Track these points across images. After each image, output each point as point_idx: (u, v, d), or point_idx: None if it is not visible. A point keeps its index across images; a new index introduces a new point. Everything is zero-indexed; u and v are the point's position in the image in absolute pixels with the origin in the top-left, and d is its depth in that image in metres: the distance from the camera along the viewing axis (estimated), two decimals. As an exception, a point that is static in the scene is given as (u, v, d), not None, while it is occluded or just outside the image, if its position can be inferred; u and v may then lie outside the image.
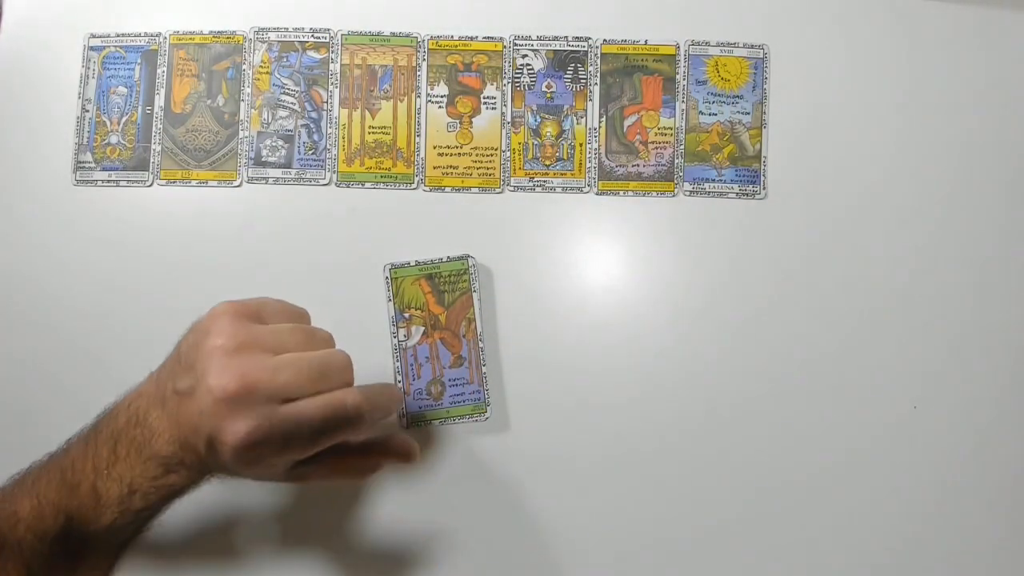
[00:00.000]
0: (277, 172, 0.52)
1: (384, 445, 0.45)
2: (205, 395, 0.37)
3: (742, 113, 0.53)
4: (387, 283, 0.50)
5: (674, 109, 0.53)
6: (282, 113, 0.52)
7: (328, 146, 0.52)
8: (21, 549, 0.39)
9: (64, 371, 0.51)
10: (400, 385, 0.49)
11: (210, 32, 0.53)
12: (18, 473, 0.43)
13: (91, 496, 0.39)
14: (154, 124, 0.52)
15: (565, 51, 0.53)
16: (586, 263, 0.52)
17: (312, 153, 0.52)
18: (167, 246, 0.52)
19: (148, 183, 0.52)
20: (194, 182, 0.52)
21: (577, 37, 0.53)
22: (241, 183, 0.52)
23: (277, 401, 0.37)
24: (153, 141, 0.52)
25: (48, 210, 0.52)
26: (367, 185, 0.52)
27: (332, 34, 0.53)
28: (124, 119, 0.52)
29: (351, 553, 0.49)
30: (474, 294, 0.50)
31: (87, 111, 0.53)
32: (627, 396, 0.50)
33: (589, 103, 0.53)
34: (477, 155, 0.52)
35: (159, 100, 0.53)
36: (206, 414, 0.37)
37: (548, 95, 0.53)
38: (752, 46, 0.53)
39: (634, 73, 0.53)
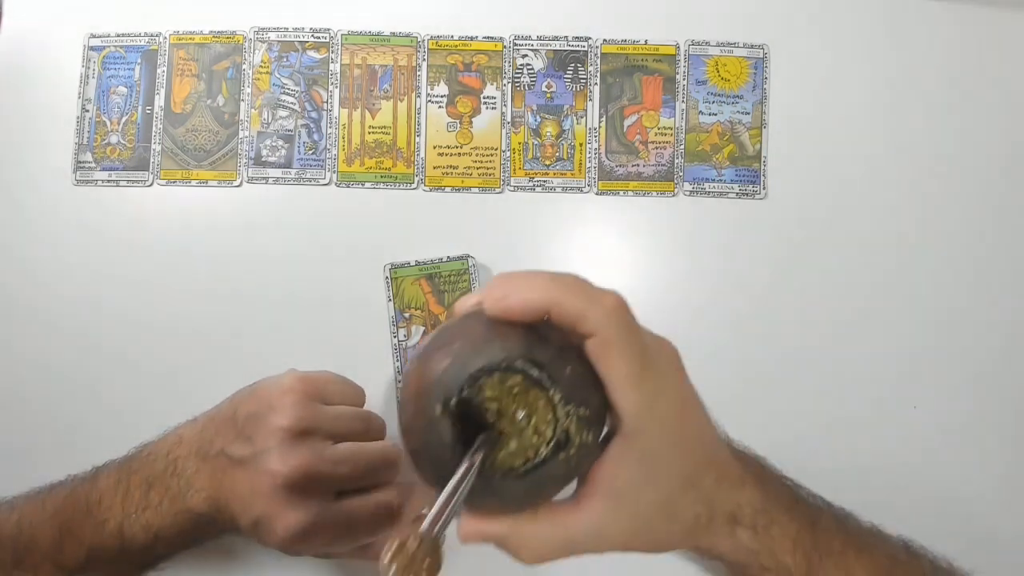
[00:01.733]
0: (277, 172, 0.52)
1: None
2: (264, 476, 0.37)
3: (742, 113, 0.53)
4: (387, 283, 0.50)
5: (674, 109, 0.53)
6: (282, 113, 0.52)
7: (328, 146, 0.52)
8: (36, 574, 0.39)
9: (65, 369, 0.51)
10: (400, 385, 0.50)
11: (210, 32, 0.53)
12: (34, 492, 0.42)
13: (116, 537, 0.39)
14: (154, 124, 0.52)
15: (565, 51, 0.53)
16: (586, 263, 0.51)
17: (312, 153, 0.52)
18: (167, 246, 0.52)
19: (148, 183, 0.52)
20: (194, 182, 0.52)
21: (577, 37, 0.53)
22: (241, 183, 0.52)
23: (331, 494, 0.39)
24: (153, 141, 0.52)
25: (48, 210, 0.52)
26: (367, 185, 0.52)
27: (332, 34, 0.53)
28: (124, 119, 0.52)
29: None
30: (474, 294, 0.50)
31: (87, 111, 0.53)
32: (627, 396, 0.50)
33: (589, 103, 0.53)
34: (477, 155, 0.52)
35: (159, 100, 0.53)
36: (261, 495, 0.37)
37: (548, 95, 0.53)
38: (752, 46, 0.53)
39: (634, 73, 0.53)
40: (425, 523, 0.27)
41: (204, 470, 0.39)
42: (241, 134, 0.52)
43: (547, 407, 0.31)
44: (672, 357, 0.35)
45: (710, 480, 0.35)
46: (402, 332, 0.50)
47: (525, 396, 0.32)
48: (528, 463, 0.31)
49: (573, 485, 0.34)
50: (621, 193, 0.52)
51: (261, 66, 0.53)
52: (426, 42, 0.53)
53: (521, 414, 0.32)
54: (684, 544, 0.36)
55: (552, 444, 0.31)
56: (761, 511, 0.36)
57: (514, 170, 0.52)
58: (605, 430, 0.33)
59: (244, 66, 0.53)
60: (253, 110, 0.52)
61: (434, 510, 0.28)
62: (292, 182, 0.52)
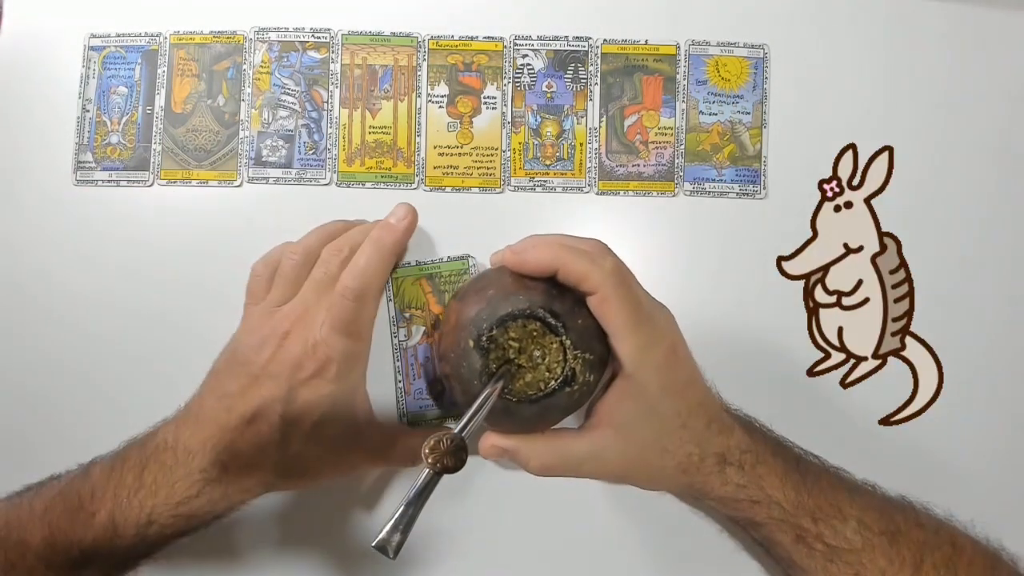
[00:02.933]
0: (277, 172, 0.52)
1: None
2: (272, 364, 0.41)
3: (742, 113, 0.53)
4: (387, 283, 0.50)
5: (674, 109, 0.53)
6: (282, 113, 0.52)
7: (328, 146, 0.52)
8: None
9: (66, 369, 0.51)
10: (400, 385, 0.50)
11: (210, 32, 0.53)
12: (16, 495, 0.41)
13: (107, 528, 0.39)
14: (154, 124, 0.52)
15: (565, 51, 0.53)
16: (586, 263, 0.51)
17: (312, 153, 0.52)
18: (167, 246, 0.52)
19: (148, 183, 0.52)
20: (194, 182, 0.52)
21: (577, 37, 0.53)
22: (241, 183, 0.52)
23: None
24: (153, 141, 0.52)
25: (49, 210, 0.52)
26: (367, 185, 0.52)
27: (332, 34, 0.53)
28: (124, 119, 0.52)
29: (351, 553, 0.49)
30: (474, 294, 0.50)
31: (87, 111, 0.53)
32: (627, 396, 0.50)
33: (589, 103, 0.53)
34: (477, 155, 0.52)
35: (159, 100, 0.53)
36: (278, 376, 0.41)
37: (548, 95, 0.53)
38: (752, 46, 0.53)
39: (634, 73, 0.53)
40: (456, 428, 0.35)
41: (199, 428, 0.40)
42: (241, 134, 0.52)
43: (559, 350, 0.39)
44: (667, 316, 0.40)
45: (701, 423, 0.40)
46: (402, 332, 0.50)
47: (542, 339, 0.39)
48: (539, 393, 0.38)
49: (574, 417, 0.41)
50: (621, 193, 0.52)
51: (261, 66, 0.53)
52: (426, 42, 0.53)
53: (537, 353, 0.39)
54: (677, 480, 0.40)
55: (560, 380, 0.38)
56: (748, 451, 0.41)
57: (514, 170, 0.52)
58: (607, 376, 0.40)
59: (244, 66, 0.53)
60: (253, 110, 0.52)
61: (464, 419, 0.35)
62: (292, 182, 0.52)
